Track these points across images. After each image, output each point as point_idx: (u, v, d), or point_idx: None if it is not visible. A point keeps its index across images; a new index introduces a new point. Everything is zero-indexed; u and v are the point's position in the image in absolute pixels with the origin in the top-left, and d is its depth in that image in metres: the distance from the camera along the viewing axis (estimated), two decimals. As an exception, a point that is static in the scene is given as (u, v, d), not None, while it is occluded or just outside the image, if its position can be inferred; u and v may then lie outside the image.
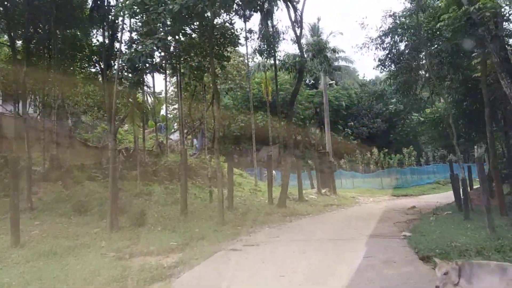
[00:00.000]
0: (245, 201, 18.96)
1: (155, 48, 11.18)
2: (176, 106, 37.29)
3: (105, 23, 17.49)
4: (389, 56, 19.28)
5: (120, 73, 14.07)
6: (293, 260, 8.56)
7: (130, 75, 14.51)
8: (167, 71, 21.81)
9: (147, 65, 15.60)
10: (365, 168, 41.73)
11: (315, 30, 49.54)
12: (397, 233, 11.65)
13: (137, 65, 11.92)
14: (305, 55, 19.44)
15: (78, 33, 19.49)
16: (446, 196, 27.16)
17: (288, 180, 18.96)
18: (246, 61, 30.31)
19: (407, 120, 53.81)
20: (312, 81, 54.91)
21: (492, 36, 11.95)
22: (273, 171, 31.73)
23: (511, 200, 15.41)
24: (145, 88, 22.25)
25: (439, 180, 36.91)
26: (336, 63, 53.56)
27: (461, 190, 15.96)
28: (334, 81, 49.49)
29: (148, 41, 11.20)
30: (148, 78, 33.06)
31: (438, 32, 15.84)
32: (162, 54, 19.00)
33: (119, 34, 16.09)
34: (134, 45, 12.58)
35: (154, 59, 18.40)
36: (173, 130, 41.54)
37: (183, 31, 16.58)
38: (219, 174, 14.11)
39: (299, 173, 21.44)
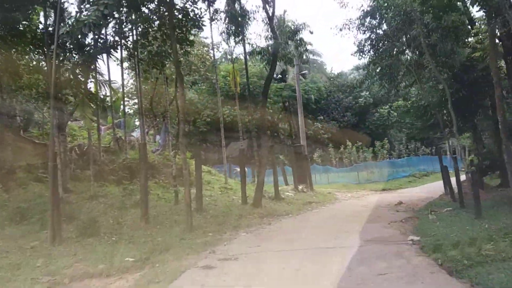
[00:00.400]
0: (216, 201, 16.83)
1: (100, 16, 8.90)
2: (136, 101, 34.72)
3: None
4: (370, 38, 17.54)
5: (63, 54, 11.71)
6: (286, 283, 6.57)
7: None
8: (123, 55, 19.45)
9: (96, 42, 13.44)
10: (339, 163, 40.29)
11: (280, 23, 47.83)
12: (400, 236, 9.82)
13: (81, 40, 9.62)
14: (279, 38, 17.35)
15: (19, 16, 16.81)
16: (428, 190, 25.90)
17: (263, 177, 16.97)
18: (211, 50, 28.16)
19: (376, 114, 53.06)
20: (279, 75, 53.21)
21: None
22: (237, 168, 29.81)
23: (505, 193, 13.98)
24: (99, 76, 19.77)
25: (414, 173, 35.87)
26: (304, 57, 52.18)
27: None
28: (306, 71, 47.88)
29: (92, 8, 8.94)
30: (102, 67, 30.09)
31: (430, 9, 14.29)
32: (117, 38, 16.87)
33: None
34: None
35: (103, 35, 16.28)
36: (134, 127, 38.95)
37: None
38: (186, 172, 11.94)
39: (275, 169, 19.51)
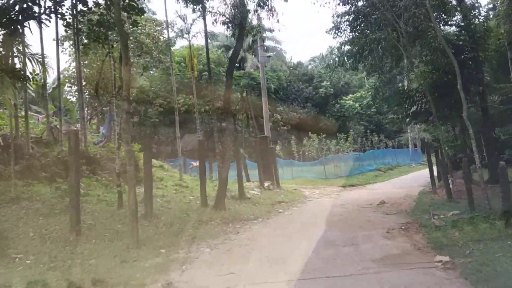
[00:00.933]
0: (170, 203, 13.97)
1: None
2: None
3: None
4: (353, 10, 15.12)
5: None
6: None
7: None
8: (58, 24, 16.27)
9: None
10: (302, 156, 38.18)
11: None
12: (417, 254, 7.44)
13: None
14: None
15: None
16: (400, 185, 24.13)
17: (227, 172, 14.28)
18: (165, 30, 25.10)
19: (336, 105, 51.43)
20: (237, 64, 50.49)
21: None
22: (193, 162, 26.99)
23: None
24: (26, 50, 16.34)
25: (380, 167, 34.27)
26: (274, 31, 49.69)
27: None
28: (271, 54, 45.51)
29: None
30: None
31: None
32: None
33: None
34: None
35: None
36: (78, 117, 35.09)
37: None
38: (131, 168, 9.06)
39: (239, 164, 16.82)
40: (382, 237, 9.13)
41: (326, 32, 17.25)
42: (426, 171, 36.94)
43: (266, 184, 19.11)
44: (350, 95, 51.63)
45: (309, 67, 56.43)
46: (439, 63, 14.54)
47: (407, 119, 18.43)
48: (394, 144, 46.50)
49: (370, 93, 31.70)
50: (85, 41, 16.05)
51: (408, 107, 17.58)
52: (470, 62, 15.72)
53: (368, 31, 14.19)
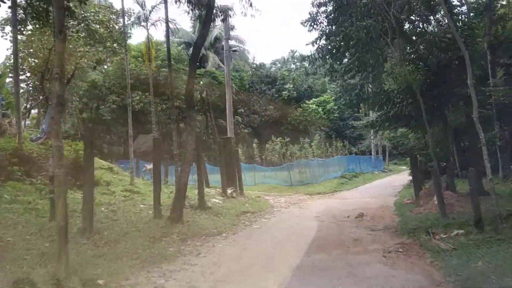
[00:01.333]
0: (116, 213, 11.66)
1: None
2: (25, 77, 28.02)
3: None
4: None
5: None
6: None
7: None
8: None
9: None
10: (265, 160, 36.39)
11: None
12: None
13: None
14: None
15: None
16: (370, 194, 22.67)
17: (187, 178, 12.14)
18: (120, 18, 22.68)
19: (299, 108, 50.03)
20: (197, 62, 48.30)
21: None
22: (146, 165, 24.51)
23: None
24: None
25: (345, 173, 32.92)
26: (247, 14, 47.77)
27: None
28: (237, 47, 43.59)
29: None
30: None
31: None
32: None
33: None
34: None
35: None
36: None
37: None
38: (61, 172, 6.83)
39: (201, 168, 14.72)
40: (382, 264, 7.33)
41: (302, 23, 15.45)
42: (390, 179, 36.55)
43: (229, 191, 17.09)
44: (313, 99, 50.44)
45: (272, 69, 54.89)
46: (432, 60, 13.03)
47: (387, 123, 16.90)
48: (357, 151, 45.61)
49: (345, 95, 30.20)
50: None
51: (388, 109, 16.07)
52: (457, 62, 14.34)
53: (354, 19, 12.44)
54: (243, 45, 50.75)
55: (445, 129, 15.51)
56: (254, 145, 36.01)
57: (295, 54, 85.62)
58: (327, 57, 15.73)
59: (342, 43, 13.88)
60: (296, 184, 25.74)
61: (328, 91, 54.66)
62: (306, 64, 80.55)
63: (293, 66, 68.60)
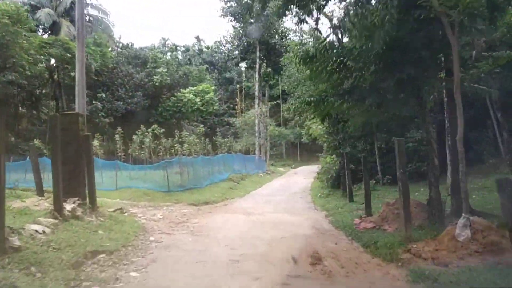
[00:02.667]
0: None
1: None
2: None
3: None
4: None
5: None
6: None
7: None
8: None
9: None
10: (131, 157, 28.64)
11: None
12: None
13: None
14: None
15: None
16: (273, 204, 17.23)
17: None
18: None
19: (173, 98, 42.88)
20: (48, 31, 38.53)
21: None
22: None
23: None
24: None
25: (231, 175, 26.83)
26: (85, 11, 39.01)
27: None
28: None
29: None
30: None
31: None
32: None
33: None
34: None
35: None
36: None
37: None
38: None
39: (2, 167, 7.11)
40: None
41: None
42: (281, 182, 30.82)
43: (69, 207, 9.57)
44: (190, 87, 43.66)
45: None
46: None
47: (339, 100, 10.64)
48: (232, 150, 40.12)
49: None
50: None
51: (339, 80, 10.18)
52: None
53: None
54: (107, 17, 41.86)
55: (423, 113, 10.12)
56: (117, 137, 27.97)
57: (166, 43, 78.05)
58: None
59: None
60: (175, 190, 18.70)
61: (208, 78, 48.70)
62: (179, 55, 73.83)
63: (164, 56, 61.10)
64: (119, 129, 27.62)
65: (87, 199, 10.90)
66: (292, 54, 33.04)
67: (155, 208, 15.30)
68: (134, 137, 27.74)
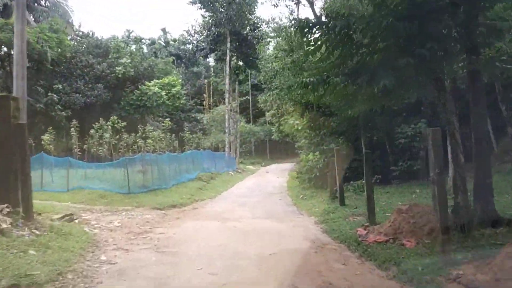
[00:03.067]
0: None
1: None
2: None
3: None
4: None
5: None
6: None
7: None
8: None
9: None
10: (88, 153, 25.91)
11: None
12: None
13: None
14: None
15: None
16: (249, 207, 14.68)
17: None
18: None
19: (137, 91, 40.06)
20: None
21: None
22: None
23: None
24: None
25: (200, 174, 24.56)
26: None
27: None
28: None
29: None
30: None
31: None
32: None
33: None
34: None
35: None
36: None
37: None
38: None
39: None
40: None
41: None
42: (254, 181, 28.51)
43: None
44: (155, 80, 40.96)
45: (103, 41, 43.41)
46: None
47: (346, 81, 8.56)
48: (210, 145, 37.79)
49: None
50: None
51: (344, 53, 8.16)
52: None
53: None
54: (65, 1, 38.55)
55: (443, 98, 8.19)
56: (73, 132, 25.12)
57: (131, 34, 74.52)
58: None
59: None
60: (137, 191, 16.30)
61: (175, 71, 46.04)
62: (144, 48, 70.53)
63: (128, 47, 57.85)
64: (74, 122, 24.80)
65: (20, 206, 8.48)
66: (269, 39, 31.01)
67: (113, 213, 12.96)
68: (92, 131, 25.01)
